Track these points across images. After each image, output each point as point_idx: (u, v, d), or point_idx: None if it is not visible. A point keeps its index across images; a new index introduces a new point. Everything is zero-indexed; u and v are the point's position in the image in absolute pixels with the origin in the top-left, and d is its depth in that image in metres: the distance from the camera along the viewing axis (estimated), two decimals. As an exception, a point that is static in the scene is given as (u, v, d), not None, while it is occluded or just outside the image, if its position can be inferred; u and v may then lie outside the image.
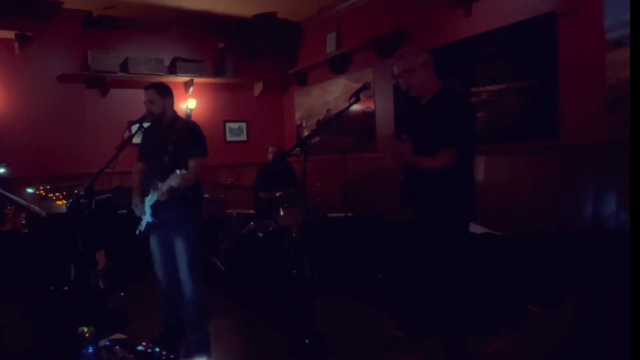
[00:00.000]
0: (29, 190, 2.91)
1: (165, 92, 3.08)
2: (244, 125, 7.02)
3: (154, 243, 3.19)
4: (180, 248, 3.05)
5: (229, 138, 6.92)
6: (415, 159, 2.66)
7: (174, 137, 3.02)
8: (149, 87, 3.08)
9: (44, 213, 2.79)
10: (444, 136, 2.61)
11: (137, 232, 3.17)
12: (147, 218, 3.06)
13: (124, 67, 5.95)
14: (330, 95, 6.33)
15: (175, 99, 3.20)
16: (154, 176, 3.02)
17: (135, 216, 3.21)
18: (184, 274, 3.07)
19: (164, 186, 2.85)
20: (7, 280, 3.42)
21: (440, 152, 2.61)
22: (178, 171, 2.72)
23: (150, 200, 3.02)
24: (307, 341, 2.97)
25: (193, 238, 3.07)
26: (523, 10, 3.92)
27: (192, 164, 3.00)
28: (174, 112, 3.17)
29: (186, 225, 3.06)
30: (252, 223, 4.76)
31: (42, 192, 2.91)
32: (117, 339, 2.89)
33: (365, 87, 2.87)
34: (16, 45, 5.37)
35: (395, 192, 3.08)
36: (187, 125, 3.13)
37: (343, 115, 3.17)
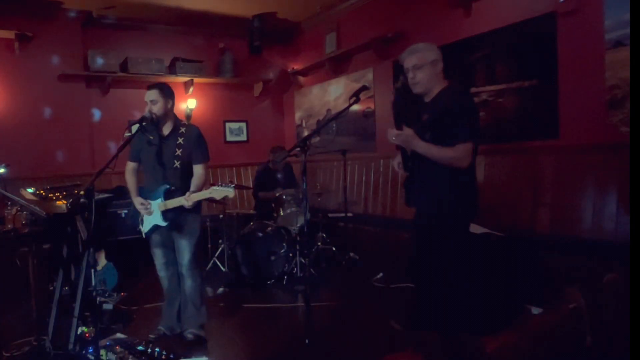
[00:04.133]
0: (29, 190, 2.90)
1: (168, 94, 3.07)
2: (244, 125, 7.03)
3: (155, 243, 3.19)
4: (183, 246, 3.10)
5: (229, 138, 6.92)
6: (425, 145, 2.57)
7: (181, 142, 3.05)
8: (152, 86, 3.07)
9: (44, 213, 2.78)
10: (454, 131, 2.56)
11: (143, 234, 3.17)
12: (155, 220, 3.07)
13: (124, 67, 5.95)
14: (330, 95, 6.33)
15: (175, 100, 3.20)
16: (162, 179, 3.06)
17: (134, 216, 3.21)
18: (185, 270, 3.12)
19: (195, 197, 2.95)
20: (7, 280, 3.42)
21: (457, 145, 2.55)
22: (217, 187, 2.92)
23: (163, 204, 3.03)
24: (307, 341, 2.97)
25: (196, 236, 3.14)
26: (523, 10, 3.92)
27: (199, 169, 3.08)
28: (175, 115, 3.16)
29: (191, 224, 3.11)
30: (252, 223, 4.77)
31: (42, 192, 2.90)
32: (117, 339, 2.90)
33: (365, 87, 2.88)
34: (16, 45, 5.37)
35: (394, 192, 3.08)
36: (192, 129, 3.14)
37: (343, 115, 3.17)
